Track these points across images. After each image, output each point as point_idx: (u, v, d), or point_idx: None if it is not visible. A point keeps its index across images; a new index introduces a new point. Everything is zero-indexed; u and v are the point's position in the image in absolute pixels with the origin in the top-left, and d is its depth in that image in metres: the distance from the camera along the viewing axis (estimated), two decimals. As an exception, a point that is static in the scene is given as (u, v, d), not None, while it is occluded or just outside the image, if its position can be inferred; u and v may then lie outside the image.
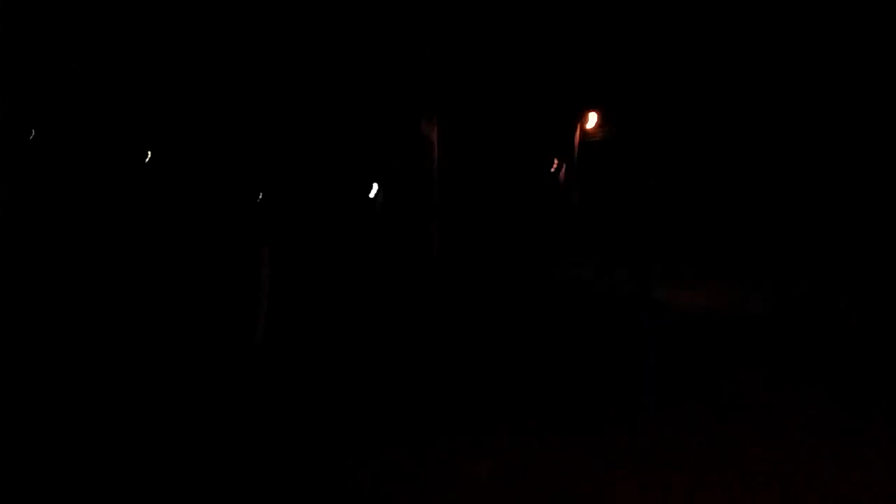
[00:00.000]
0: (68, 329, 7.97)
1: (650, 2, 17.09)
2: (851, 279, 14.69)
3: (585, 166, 19.37)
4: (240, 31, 9.64)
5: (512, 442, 6.53)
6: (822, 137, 16.29)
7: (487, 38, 13.58)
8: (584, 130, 19.60)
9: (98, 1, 9.06)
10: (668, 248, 15.29)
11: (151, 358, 7.81)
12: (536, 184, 18.48)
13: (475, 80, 13.14)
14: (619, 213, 16.67)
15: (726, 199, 16.50)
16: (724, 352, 9.63)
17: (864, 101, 15.87)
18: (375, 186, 13.05)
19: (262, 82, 9.71)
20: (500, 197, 15.64)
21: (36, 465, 4.92)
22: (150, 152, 9.16)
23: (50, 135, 9.30)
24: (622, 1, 16.97)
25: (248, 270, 8.74)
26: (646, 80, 18.23)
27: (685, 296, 13.48)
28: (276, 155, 9.68)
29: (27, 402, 5.91)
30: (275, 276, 8.74)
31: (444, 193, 10.86)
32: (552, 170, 20.22)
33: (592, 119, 19.74)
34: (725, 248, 15.62)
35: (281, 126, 9.81)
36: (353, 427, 6.67)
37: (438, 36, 10.41)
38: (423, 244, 10.24)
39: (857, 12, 15.31)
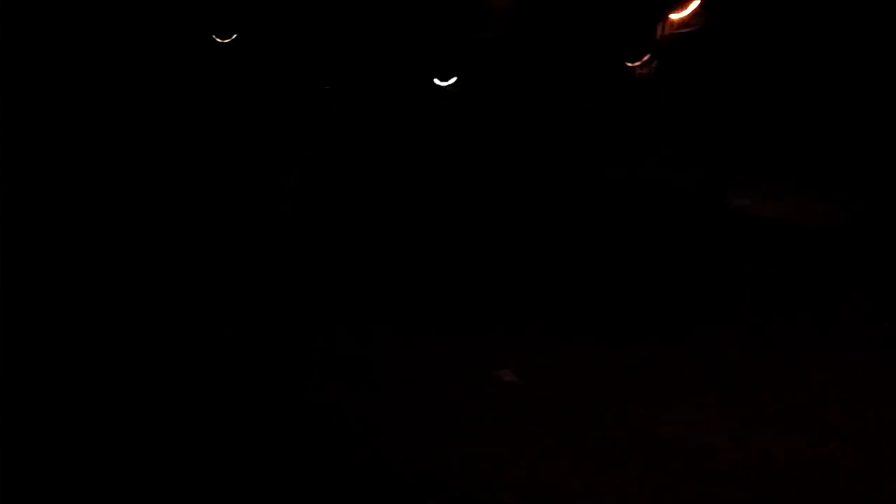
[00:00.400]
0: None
1: None
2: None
3: (676, 61, 17.95)
4: None
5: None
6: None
7: None
8: (676, 20, 18.11)
9: None
10: (753, 154, 14.03)
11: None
12: (615, 77, 17.16)
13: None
14: (706, 112, 15.40)
15: (826, 102, 15.04)
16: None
17: None
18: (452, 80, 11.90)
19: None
20: (569, 87, 14.31)
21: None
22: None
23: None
24: None
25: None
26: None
27: (765, 205, 12.31)
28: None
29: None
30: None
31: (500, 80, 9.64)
32: (637, 63, 18.85)
33: (689, 7, 18.23)
34: (818, 158, 14.29)
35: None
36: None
37: None
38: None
39: None
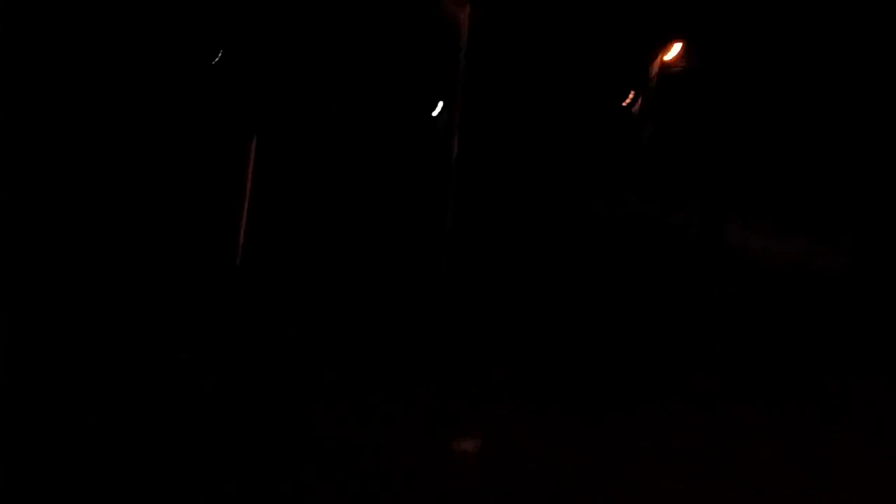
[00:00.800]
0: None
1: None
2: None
3: (662, 100, 17.55)
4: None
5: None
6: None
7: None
8: (664, 61, 17.72)
9: None
10: (745, 189, 13.54)
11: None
12: (601, 113, 16.75)
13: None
14: (694, 150, 15.00)
15: (812, 140, 14.61)
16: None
17: None
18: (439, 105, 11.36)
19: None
20: (553, 121, 13.79)
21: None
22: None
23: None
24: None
25: (226, 170, 7.29)
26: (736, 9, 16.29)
27: (764, 243, 11.73)
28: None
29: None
30: (262, 178, 7.29)
31: (473, 102, 8.96)
32: (626, 102, 18.47)
33: (676, 49, 17.85)
34: (808, 193, 13.78)
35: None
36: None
37: None
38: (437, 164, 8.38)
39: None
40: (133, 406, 4.93)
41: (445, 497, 4.30)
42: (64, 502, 3.84)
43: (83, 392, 5.02)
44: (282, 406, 5.28)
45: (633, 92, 19.25)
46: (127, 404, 4.90)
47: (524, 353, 6.31)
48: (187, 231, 7.24)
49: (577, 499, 4.35)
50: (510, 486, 4.45)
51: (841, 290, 8.89)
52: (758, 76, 16.64)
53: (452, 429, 5.02)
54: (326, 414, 5.17)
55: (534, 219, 11.10)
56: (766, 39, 16.50)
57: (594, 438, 4.96)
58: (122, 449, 4.39)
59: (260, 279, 7.09)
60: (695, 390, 5.81)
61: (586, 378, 5.91)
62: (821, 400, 5.82)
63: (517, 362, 6.08)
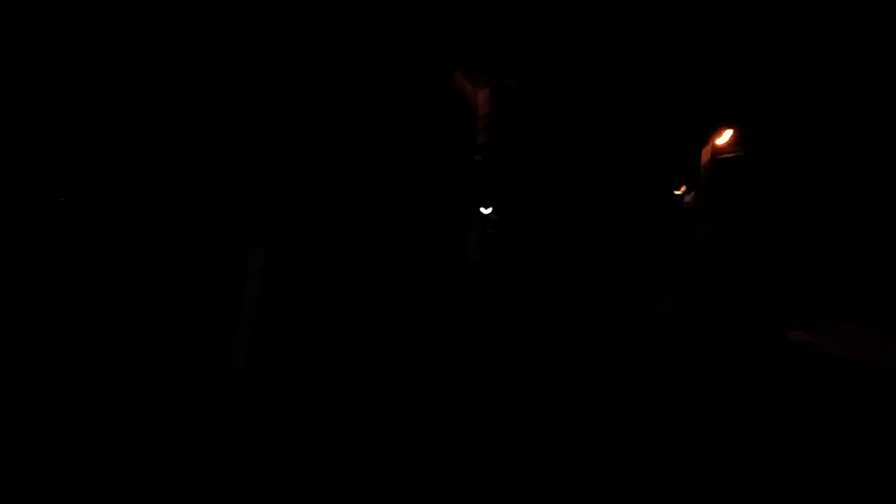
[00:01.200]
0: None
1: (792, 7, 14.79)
2: None
3: (714, 188, 16.84)
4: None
5: None
6: None
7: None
8: (714, 148, 17.06)
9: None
10: (808, 282, 12.66)
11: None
12: (655, 204, 16.11)
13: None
14: (752, 240, 14.23)
15: (881, 226, 13.73)
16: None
17: None
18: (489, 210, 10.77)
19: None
20: (599, 207, 13.17)
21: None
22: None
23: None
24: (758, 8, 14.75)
25: (232, 278, 6.79)
26: (788, 92, 15.70)
27: (827, 340, 10.81)
28: (274, 126, 7.45)
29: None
30: (268, 286, 6.76)
31: (515, 187, 8.38)
32: (680, 192, 17.79)
33: (726, 136, 17.20)
34: (880, 285, 12.83)
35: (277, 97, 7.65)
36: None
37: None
38: (457, 247, 7.71)
39: None
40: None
41: None
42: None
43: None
44: None
45: (684, 184, 18.55)
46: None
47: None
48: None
49: None
50: None
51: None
52: (815, 159, 15.82)
53: None
54: None
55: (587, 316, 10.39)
56: (822, 121, 15.78)
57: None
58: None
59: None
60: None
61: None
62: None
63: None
